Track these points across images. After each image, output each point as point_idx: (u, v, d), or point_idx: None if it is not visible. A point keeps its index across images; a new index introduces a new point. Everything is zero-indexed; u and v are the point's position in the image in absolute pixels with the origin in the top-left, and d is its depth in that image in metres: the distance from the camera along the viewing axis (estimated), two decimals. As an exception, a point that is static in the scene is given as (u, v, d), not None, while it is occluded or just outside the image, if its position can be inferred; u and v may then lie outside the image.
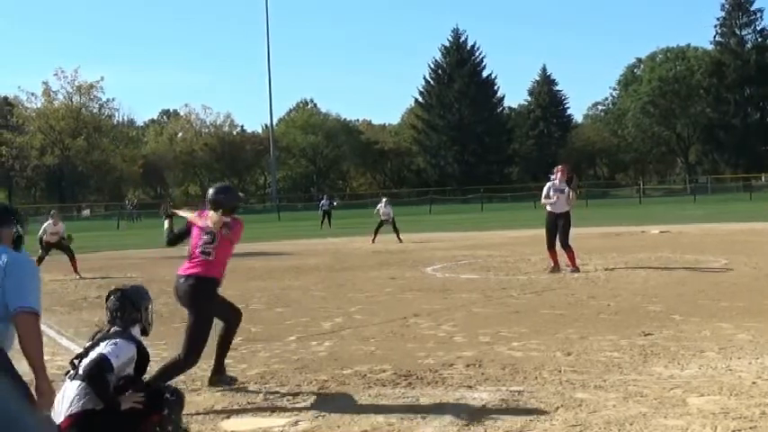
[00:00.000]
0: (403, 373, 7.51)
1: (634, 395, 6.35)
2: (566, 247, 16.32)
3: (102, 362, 5.21)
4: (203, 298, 7.04)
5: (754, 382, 6.63)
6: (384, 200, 31.84)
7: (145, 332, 5.72)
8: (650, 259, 18.20)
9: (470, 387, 6.91)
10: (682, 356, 7.77)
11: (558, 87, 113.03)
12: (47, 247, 19.64)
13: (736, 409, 5.87)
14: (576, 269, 16.10)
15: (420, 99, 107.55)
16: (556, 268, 16.22)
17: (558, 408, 6.10)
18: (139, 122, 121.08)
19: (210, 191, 7.46)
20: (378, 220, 30.48)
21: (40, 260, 19.41)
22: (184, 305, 7.13)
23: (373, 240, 28.68)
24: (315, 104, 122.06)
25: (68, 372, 5.45)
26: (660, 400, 6.19)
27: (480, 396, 6.57)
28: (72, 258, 19.40)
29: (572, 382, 6.90)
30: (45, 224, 19.96)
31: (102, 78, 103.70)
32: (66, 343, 9.84)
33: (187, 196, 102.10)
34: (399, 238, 28.86)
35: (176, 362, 6.92)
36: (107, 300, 5.72)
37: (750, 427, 5.47)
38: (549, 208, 16.66)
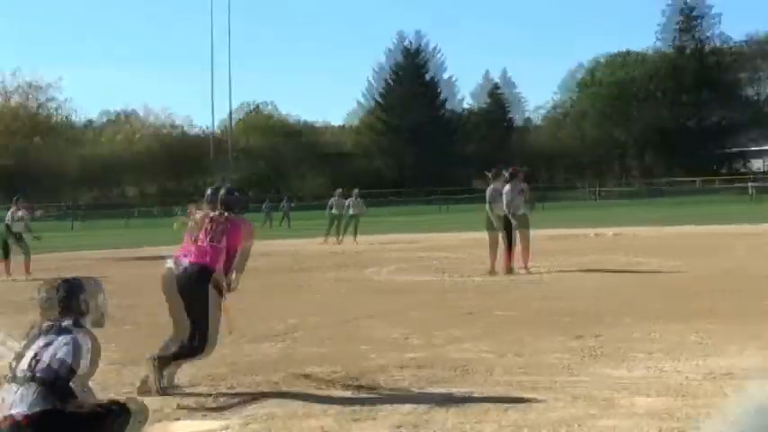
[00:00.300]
0: (355, 374, 7.52)
1: (583, 396, 6.41)
2: (512, 248, 16.54)
3: (63, 366, 5.12)
4: (208, 284, 7.19)
5: (700, 384, 6.72)
6: (355, 191, 31.54)
7: (98, 324, 5.61)
8: (603, 261, 18.36)
9: (422, 388, 6.94)
10: (631, 358, 7.85)
11: (510, 90, 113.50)
12: (11, 235, 19.38)
13: (682, 409, 5.95)
14: (511, 270, 16.31)
15: (374, 101, 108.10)
16: (509, 270, 16.35)
17: (507, 409, 6.13)
18: (90, 123, 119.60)
19: (221, 192, 7.66)
20: (346, 217, 30.22)
21: (5, 247, 19.25)
22: (186, 292, 7.16)
23: (340, 241, 28.70)
24: (271, 106, 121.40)
25: (7, 375, 5.33)
26: (608, 400, 6.26)
27: (431, 397, 6.59)
28: (27, 258, 19.20)
29: (522, 383, 6.95)
30: (9, 211, 19.71)
31: (61, 79, 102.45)
32: (12, 344, 9.70)
33: (143, 197, 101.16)
34: (356, 240, 28.87)
35: (187, 349, 7.08)
36: (51, 291, 5.61)
37: (696, 428, 5.53)
38: (506, 210, 16.73)
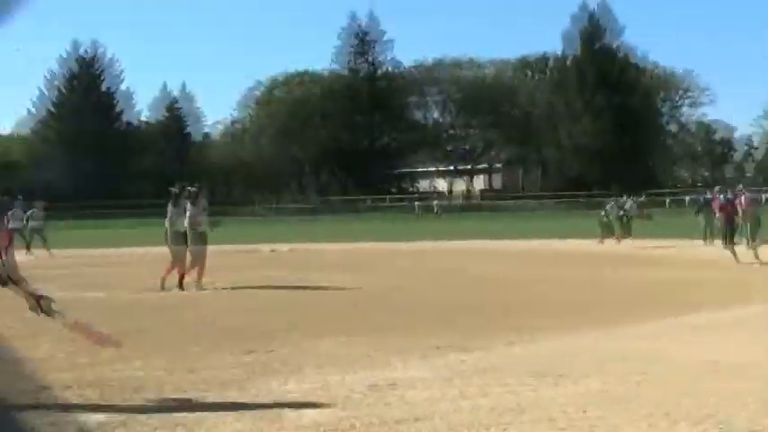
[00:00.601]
0: (13, 396, 7.12)
1: (252, 410, 6.43)
2: (186, 265, 16.69)
3: None
4: None
5: (365, 395, 6.98)
6: (39, 203, 29.69)
7: None
8: (276, 278, 18.66)
9: (90, 410, 6.65)
10: (299, 371, 8.00)
11: (190, 103, 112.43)
12: None
13: (348, 418, 6.15)
14: (201, 286, 16.42)
15: (46, 110, 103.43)
16: (163, 285, 16.50)
17: (176, 426, 6.05)
18: None
19: None
20: (27, 231, 28.39)
21: None
22: None
23: (28, 250, 27.05)
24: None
25: None
26: (277, 414, 6.33)
27: (98, 419, 6.34)
28: None
29: (193, 400, 6.88)
30: None
31: None
32: None
33: None
34: (45, 249, 27.56)
35: None
36: None
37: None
38: (187, 227, 16.70)
